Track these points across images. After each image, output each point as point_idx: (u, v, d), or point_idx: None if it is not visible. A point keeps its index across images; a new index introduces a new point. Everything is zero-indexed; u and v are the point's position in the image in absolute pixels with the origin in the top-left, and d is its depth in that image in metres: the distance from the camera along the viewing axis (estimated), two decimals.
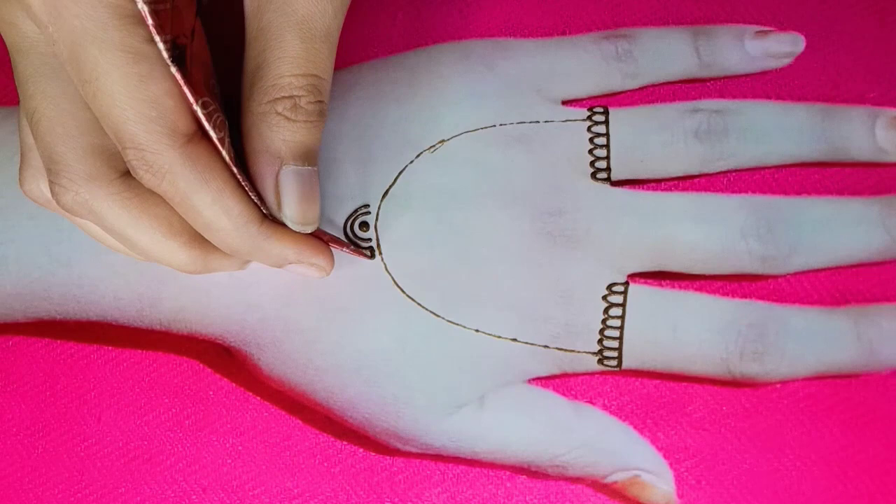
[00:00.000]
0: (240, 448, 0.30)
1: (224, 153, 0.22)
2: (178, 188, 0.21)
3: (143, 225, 0.23)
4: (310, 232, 0.24)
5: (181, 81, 0.20)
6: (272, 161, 0.22)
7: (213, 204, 0.22)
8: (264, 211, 0.23)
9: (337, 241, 0.26)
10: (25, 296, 0.27)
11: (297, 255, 0.24)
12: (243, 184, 0.22)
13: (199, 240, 0.23)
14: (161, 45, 0.19)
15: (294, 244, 0.24)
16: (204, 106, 0.21)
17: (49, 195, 0.23)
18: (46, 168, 0.22)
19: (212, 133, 0.21)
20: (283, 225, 0.23)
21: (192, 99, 0.20)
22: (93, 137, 0.21)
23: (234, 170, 0.22)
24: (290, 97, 0.22)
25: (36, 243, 0.26)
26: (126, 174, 0.22)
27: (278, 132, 0.22)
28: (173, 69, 0.20)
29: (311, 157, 0.23)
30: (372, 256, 0.27)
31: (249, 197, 0.23)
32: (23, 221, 0.26)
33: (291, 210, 0.23)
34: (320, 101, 0.23)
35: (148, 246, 0.23)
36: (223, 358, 0.30)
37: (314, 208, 0.23)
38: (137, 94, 0.20)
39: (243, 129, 0.23)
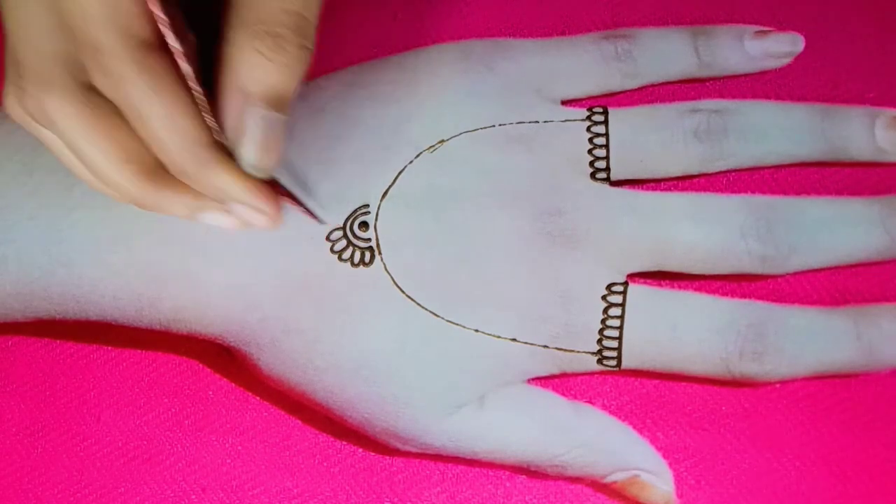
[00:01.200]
0: (239, 448, 0.30)
1: (184, 67, 0.21)
2: (130, 96, 0.21)
3: (98, 141, 0.22)
4: (263, 178, 0.23)
5: None
6: (240, 97, 0.21)
7: (163, 117, 0.21)
8: (221, 140, 0.22)
9: (292, 197, 0.25)
10: (25, 296, 0.27)
11: (242, 193, 0.23)
12: (200, 104, 0.21)
13: (150, 173, 0.23)
14: None
15: (241, 181, 0.23)
16: (168, 15, 0.20)
17: (23, 111, 0.22)
18: (14, 73, 0.21)
19: (172, 43, 0.20)
20: (230, 157, 0.23)
21: (154, 6, 0.20)
22: (58, 44, 0.21)
23: (193, 87, 0.21)
24: (274, 35, 0.21)
25: (35, 243, 0.26)
26: (90, 87, 0.21)
27: (252, 70, 0.21)
28: None
29: (282, 104, 0.22)
30: (322, 221, 0.26)
31: (203, 119, 0.22)
32: (22, 221, 0.26)
33: (248, 153, 0.22)
34: (305, 47, 0.21)
35: (100, 166, 0.22)
36: (223, 358, 0.30)
37: (273, 156, 0.22)
38: None
39: (220, 56, 0.22)
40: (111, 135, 0.22)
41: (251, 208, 0.24)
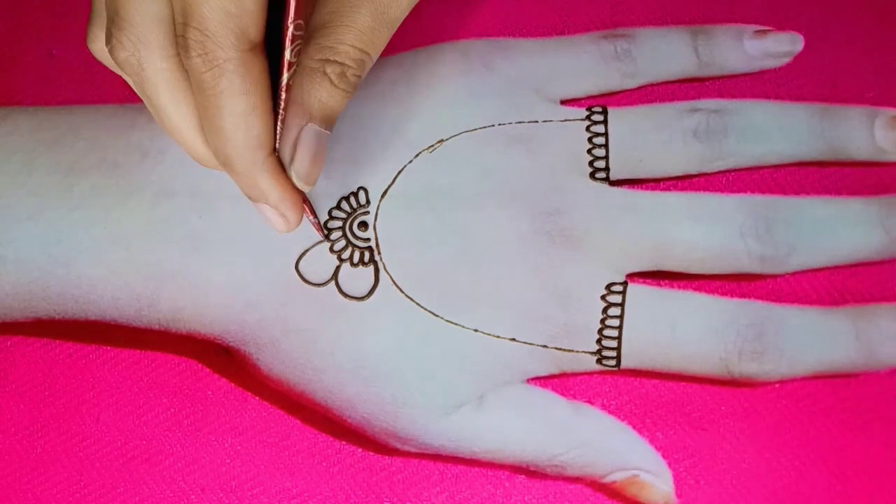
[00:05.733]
0: (238, 448, 0.30)
1: (285, 78, 0.22)
2: (219, 85, 0.22)
3: (181, 107, 0.23)
4: (305, 189, 0.24)
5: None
6: (302, 114, 0.23)
7: (240, 115, 0.22)
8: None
9: (312, 212, 0.26)
10: (24, 296, 0.27)
11: (279, 200, 0.24)
12: (278, 115, 0.23)
13: None
14: None
15: (282, 190, 0.24)
16: (297, 28, 0.22)
17: (108, 55, 0.23)
18: (110, 18, 0.22)
19: (288, 55, 0.22)
20: (282, 168, 0.24)
21: (292, 15, 0.21)
22: (165, 8, 0.22)
23: (281, 98, 0.23)
24: (341, 64, 0.23)
25: (35, 243, 0.26)
26: (178, 55, 0.23)
27: (318, 91, 0.23)
28: None
29: (332, 123, 0.24)
30: (327, 238, 0.27)
31: (272, 125, 0.23)
32: (22, 222, 0.26)
33: (301, 165, 0.23)
34: (359, 77, 0.23)
35: (176, 127, 0.24)
36: (222, 358, 0.30)
37: (319, 170, 0.24)
38: None
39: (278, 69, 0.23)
40: (191, 103, 0.23)
41: (278, 213, 0.25)
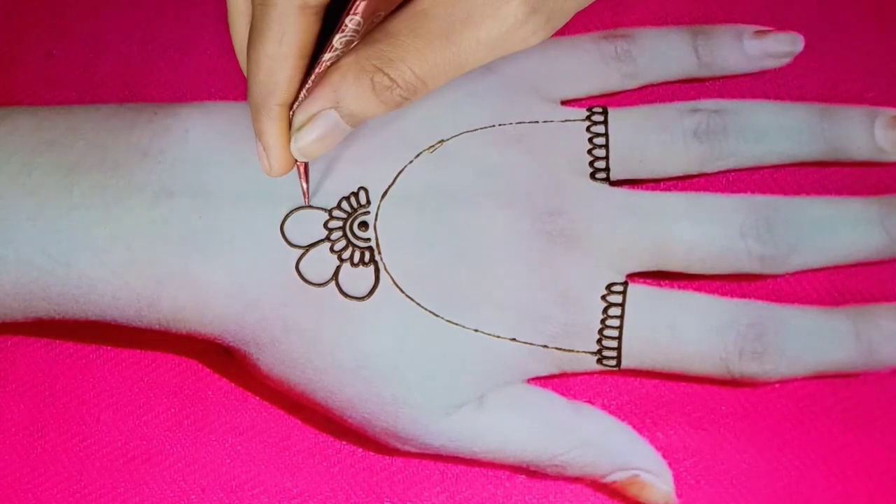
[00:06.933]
0: (239, 448, 0.30)
1: (336, 40, 0.23)
2: (262, 23, 0.23)
3: (239, 22, 0.25)
4: (299, 160, 0.25)
5: None
6: (330, 98, 0.24)
7: (268, 57, 0.23)
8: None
9: (306, 177, 0.27)
10: (24, 296, 0.27)
11: (269, 147, 0.25)
12: (310, 77, 0.24)
13: None
14: None
15: (276, 142, 0.25)
16: (354, 24, 0.22)
17: None
18: None
19: (347, 20, 0.22)
20: (288, 123, 0.25)
21: (355, 10, 0.22)
22: None
23: (324, 60, 0.23)
24: (392, 80, 0.23)
25: (35, 244, 0.26)
26: None
27: (355, 90, 0.23)
28: None
29: (357, 122, 0.24)
30: (308, 203, 0.27)
31: (296, 83, 0.24)
32: (22, 222, 0.26)
33: (305, 139, 0.24)
34: (405, 101, 0.24)
35: (232, 34, 0.26)
36: (222, 358, 0.30)
37: (320, 151, 0.25)
38: None
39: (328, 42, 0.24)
40: (269, 24, 0.23)
41: (265, 157, 0.25)
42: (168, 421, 0.30)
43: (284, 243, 0.27)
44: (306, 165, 0.26)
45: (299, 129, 0.24)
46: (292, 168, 0.26)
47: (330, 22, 0.23)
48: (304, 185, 0.27)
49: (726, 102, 0.30)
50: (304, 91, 0.24)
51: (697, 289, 0.28)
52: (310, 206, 0.27)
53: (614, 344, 0.27)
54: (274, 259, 0.27)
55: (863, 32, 0.32)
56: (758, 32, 0.31)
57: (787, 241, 0.28)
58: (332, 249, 0.27)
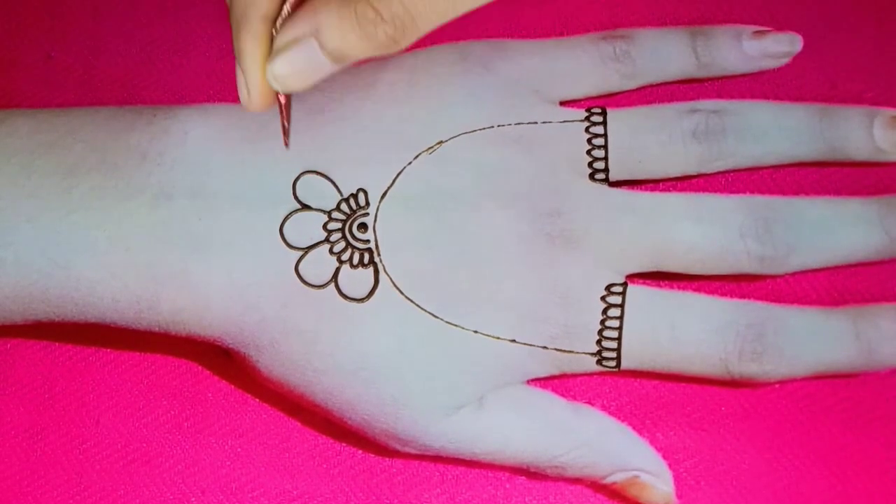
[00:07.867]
0: (239, 450, 0.30)
1: None
2: None
3: None
4: (276, 89, 0.23)
5: None
6: (311, 23, 0.21)
7: None
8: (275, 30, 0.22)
9: (287, 116, 0.25)
10: (23, 298, 0.27)
11: (246, 69, 0.23)
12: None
13: None
14: None
15: (257, 63, 0.22)
16: None
17: None
18: None
19: None
20: (268, 47, 0.22)
21: None
22: None
23: None
24: (376, 12, 0.21)
25: (34, 246, 0.26)
26: None
27: (339, 21, 0.21)
28: None
29: (340, 60, 0.22)
30: (286, 143, 0.25)
31: (282, 3, 0.22)
32: (21, 224, 0.26)
33: (281, 70, 0.22)
34: (394, 42, 0.21)
35: None
36: (222, 360, 0.30)
37: (297, 86, 0.22)
38: None
39: None
40: None
41: (243, 83, 0.23)
42: (168, 423, 0.30)
43: (284, 245, 0.27)
44: (288, 100, 0.24)
45: (278, 55, 0.22)
46: (272, 103, 0.23)
47: None
48: (285, 123, 0.25)
49: (725, 103, 0.30)
50: (287, 5, 0.22)
51: (697, 289, 0.28)
52: (309, 208, 0.27)
53: (614, 345, 0.27)
54: (273, 261, 0.27)
55: (862, 32, 0.32)
56: (756, 33, 0.31)
57: (786, 242, 0.28)
58: (331, 251, 0.27)
